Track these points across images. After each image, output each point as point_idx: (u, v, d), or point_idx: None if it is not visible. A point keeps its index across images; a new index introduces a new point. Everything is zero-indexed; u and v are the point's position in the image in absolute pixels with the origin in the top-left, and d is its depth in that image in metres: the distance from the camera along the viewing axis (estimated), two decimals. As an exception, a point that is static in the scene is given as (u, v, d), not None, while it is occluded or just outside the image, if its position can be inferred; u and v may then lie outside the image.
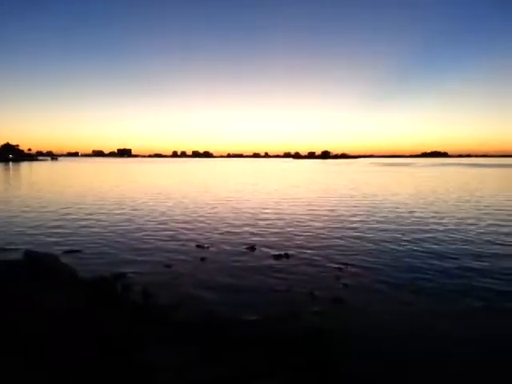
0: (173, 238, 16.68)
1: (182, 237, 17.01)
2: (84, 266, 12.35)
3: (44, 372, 5.59)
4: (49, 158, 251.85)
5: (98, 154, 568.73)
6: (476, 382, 6.37)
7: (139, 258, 13.52)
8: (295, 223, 20.45)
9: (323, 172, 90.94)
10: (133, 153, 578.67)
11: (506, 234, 17.41)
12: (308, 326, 8.14)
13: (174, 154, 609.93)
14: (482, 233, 17.80)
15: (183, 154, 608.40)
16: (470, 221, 20.98)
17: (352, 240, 16.41)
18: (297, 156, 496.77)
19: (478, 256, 13.77)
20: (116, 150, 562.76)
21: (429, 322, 8.54)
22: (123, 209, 25.65)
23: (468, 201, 30.32)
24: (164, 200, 30.86)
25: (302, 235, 17.41)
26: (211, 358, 6.60)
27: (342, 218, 22.27)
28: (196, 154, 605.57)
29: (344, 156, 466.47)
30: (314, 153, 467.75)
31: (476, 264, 12.79)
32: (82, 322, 7.51)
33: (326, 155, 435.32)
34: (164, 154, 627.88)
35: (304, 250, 14.68)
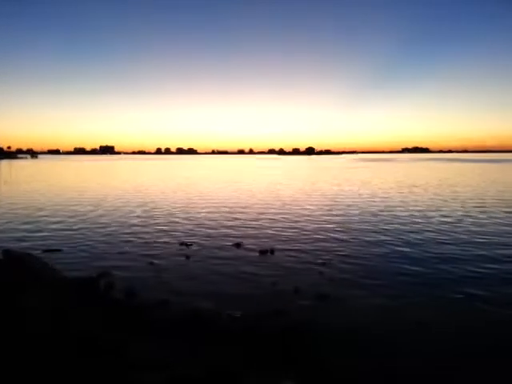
0: (156, 236, 16.53)
1: (166, 235, 16.87)
2: (65, 265, 12.13)
3: (25, 372, 5.47)
4: (28, 156, 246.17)
5: (80, 151, 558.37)
6: (461, 374, 6.49)
7: (122, 257, 13.35)
8: (280, 220, 20.51)
9: (307, 168, 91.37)
10: (116, 150, 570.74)
11: (482, 225, 17.81)
12: (292, 321, 8.17)
13: (158, 151, 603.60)
14: (460, 225, 18.16)
15: (167, 151, 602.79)
16: (450, 214, 21.37)
17: (336, 235, 16.55)
18: (281, 152, 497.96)
19: (460, 246, 14.06)
20: (98, 147, 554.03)
21: (412, 314, 8.66)
22: (104, 207, 25.29)
23: (448, 195, 30.89)
24: (147, 198, 30.55)
25: (286, 232, 17.47)
26: (196, 355, 6.57)
27: (326, 214, 22.44)
28: (180, 151, 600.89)
29: (328, 152, 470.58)
30: (298, 149, 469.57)
31: (458, 255, 13.06)
32: (64, 321, 7.38)
33: (310, 151, 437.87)
34: (148, 150, 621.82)
35: (289, 246, 14.74)
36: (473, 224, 18.75)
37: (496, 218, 20.43)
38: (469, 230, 17.28)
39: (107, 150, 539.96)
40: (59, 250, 14.10)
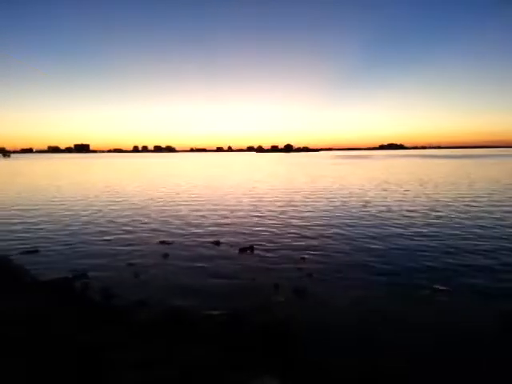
0: (135, 236, 16.32)
1: (145, 234, 16.69)
2: (42, 266, 11.87)
3: (3, 374, 5.36)
4: (0, 155, 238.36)
5: (54, 149, 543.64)
6: (437, 368, 6.72)
7: (100, 257, 13.13)
8: (259, 217, 20.59)
9: (286, 165, 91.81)
10: (91, 148, 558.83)
11: (449, 219, 18.40)
12: (272, 318, 8.25)
13: (135, 149, 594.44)
14: (432, 216, 18.69)
15: (145, 149, 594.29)
16: (423, 207, 21.96)
17: (314, 231, 16.75)
18: (260, 150, 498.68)
19: (432, 238, 14.48)
20: (73, 146, 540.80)
21: (388, 309, 8.86)
22: (81, 206, 24.78)
23: (418, 191, 31.71)
24: (123, 197, 30.09)
25: (266, 229, 17.57)
26: (175, 355, 6.58)
27: (304, 210, 22.67)
28: (158, 149, 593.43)
29: (306, 149, 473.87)
30: (277, 146, 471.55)
31: (432, 247, 13.45)
32: (41, 323, 7.24)
33: (288, 148, 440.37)
34: (124, 148, 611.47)
35: (268, 243, 14.84)
36: (438, 217, 19.31)
37: (461, 212, 21.11)
38: (438, 224, 17.81)
39: (82, 149, 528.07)
40: (36, 251, 13.77)
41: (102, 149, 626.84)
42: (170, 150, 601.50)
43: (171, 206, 24.93)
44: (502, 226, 17.38)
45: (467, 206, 23.24)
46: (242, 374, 6.09)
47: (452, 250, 13.49)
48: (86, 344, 6.62)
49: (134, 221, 19.65)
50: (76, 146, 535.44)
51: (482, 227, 17.08)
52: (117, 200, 27.93)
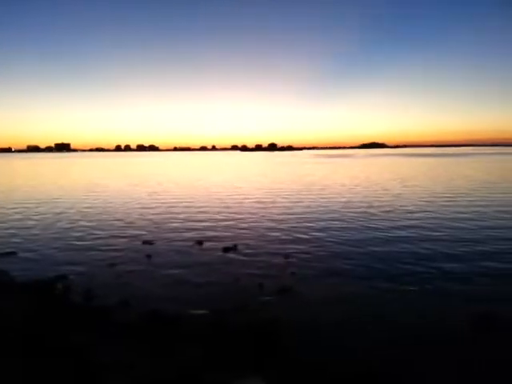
0: (116, 236, 16.07)
1: (127, 234, 16.45)
2: (20, 268, 11.60)
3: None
4: None
5: (34, 149, 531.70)
6: (417, 365, 6.82)
7: (81, 258, 12.89)
8: (243, 216, 20.57)
9: (269, 164, 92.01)
10: (72, 147, 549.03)
11: (435, 218, 18.77)
12: (257, 317, 8.24)
13: (118, 148, 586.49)
14: (413, 218, 19.02)
15: (127, 148, 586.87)
16: (405, 208, 22.33)
17: (298, 230, 16.82)
18: (244, 149, 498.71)
19: (416, 241, 14.74)
20: (53, 145, 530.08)
21: (371, 307, 8.95)
22: (61, 207, 24.29)
23: (398, 191, 32.23)
24: (105, 197, 29.64)
25: (249, 227, 17.56)
26: (160, 356, 6.51)
27: (288, 209, 22.76)
28: (141, 148, 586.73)
29: (290, 148, 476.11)
30: (261, 145, 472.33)
31: (417, 249, 13.68)
32: (20, 325, 7.07)
33: (272, 147, 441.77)
34: (107, 148, 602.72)
35: (252, 242, 14.82)
36: (417, 219, 19.67)
37: (438, 212, 21.56)
38: (417, 225, 18.13)
39: (63, 148, 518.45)
40: (14, 253, 13.43)
41: (83, 148, 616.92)
42: (153, 149, 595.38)
43: (154, 206, 24.67)
44: (479, 227, 17.79)
45: (444, 206, 23.72)
46: (226, 375, 6.07)
47: (428, 251, 13.71)
48: (67, 345, 6.49)
49: (115, 221, 19.36)
50: (56, 145, 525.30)
51: (461, 229, 17.46)
52: (98, 200, 27.49)
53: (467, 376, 6.27)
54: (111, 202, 26.19)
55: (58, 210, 22.86)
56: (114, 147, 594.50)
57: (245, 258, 12.79)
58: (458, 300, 9.21)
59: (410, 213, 20.55)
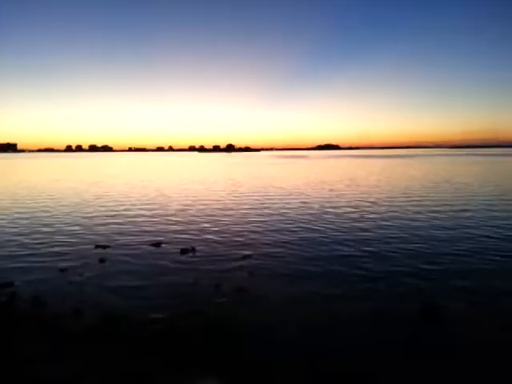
0: (67, 240, 15.38)
1: (78, 238, 15.79)
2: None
3: None
4: None
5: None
6: (369, 360, 7.11)
7: (28, 264, 12.22)
8: (200, 217, 20.41)
9: (227, 165, 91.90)
10: (19, 147, 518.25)
11: (389, 219, 19.65)
12: (213, 318, 8.24)
13: (69, 149, 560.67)
14: (368, 220, 19.80)
15: (79, 149, 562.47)
16: (358, 208, 23.17)
17: (256, 230, 16.97)
18: (202, 149, 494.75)
19: (366, 241, 15.34)
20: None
21: (329, 305, 9.18)
22: (5, 208, 22.88)
23: (349, 191, 33.43)
24: (53, 199, 28.26)
25: (208, 229, 17.46)
26: (114, 361, 6.34)
27: (245, 210, 22.88)
28: (93, 149, 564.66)
29: (248, 149, 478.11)
30: (218, 146, 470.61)
31: (367, 248, 14.22)
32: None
33: (230, 148, 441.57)
34: (57, 148, 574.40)
35: (210, 243, 14.77)
36: (370, 219, 20.51)
37: (389, 211, 22.60)
38: (370, 222, 18.90)
39: (9, 148, 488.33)
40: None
41: (31, 148, 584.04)
42: (106, 149, 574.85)
43: (107, 208, 23.85)
44: (432, 225, 18.82)
45: (395, 206, 24.85)
46: (183, 377, 6.03)
47: (381, 249, 14.35)
48: (14, 356, 6.16)
49: (65, 224, 18.53)
50: (1, 145, 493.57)
51: (415, 228, 18.38)
52: (46, 203, 26.15)
53: (416, 366, 6.63)
54: (60, 205, 25.01)
55: (3, 211, 21.49)
56: (64, 147, 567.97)
57: (203, 259, 12.72)
58: (406, 294, 9.71)
59: (363, 211, 21.34)
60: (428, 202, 24.75)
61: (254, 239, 15.35)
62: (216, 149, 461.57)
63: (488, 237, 15.28)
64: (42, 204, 25.62)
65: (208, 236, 16.02)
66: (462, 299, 9.29)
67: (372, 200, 26.16)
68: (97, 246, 14.35)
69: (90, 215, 21.15)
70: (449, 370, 6.47)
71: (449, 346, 7.26)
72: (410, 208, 22.55)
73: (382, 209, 22.40)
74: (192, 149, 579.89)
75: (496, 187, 33.42)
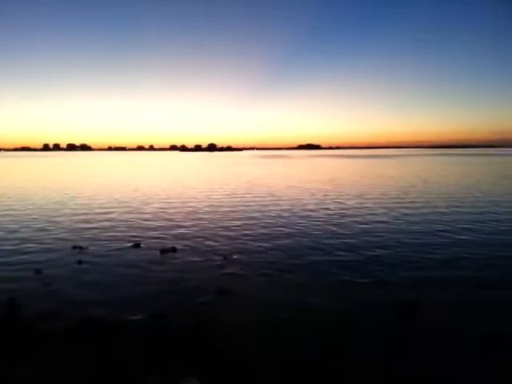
0: (43, 242, 15.01)
1: (55, 240, 15.43)
2: None
3: None
4: None
5: None
6: (350, 358, 7.22)
7: (3, 266, 11.90)
8: (181, 218, 20.28)
9: (208, 165, 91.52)
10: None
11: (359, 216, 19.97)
12: (193, 319, 8.20)
13: (46, 148, 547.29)
14: (341, 216, 20.07)
15: (56, 147, 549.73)
16: (335, 206, 23.46)
17: (237, 231, 16.96)
18: (183, 149, 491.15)
19: (348, 242, 15.55)
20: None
21: (309, 304, 9.25)
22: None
23: (328, 190, 33.82)
24: (28, 199, 27.59)
25: (188, 229, 17.35)
26: (93, 363, 6.26)
27: (226, 210, 22.84)
28: (72, 147, 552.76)
29: (229, 149, 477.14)
30: (200, 146, 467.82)
31: (347, 248, 14.42)
32: None
33: (212, 148, 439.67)
34: (33, 147, 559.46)
35: (191, 244, 14.68)
36: (348, 215, 20.81)
37: (364, 208, 22.98)
38: (348, 218, 19.18)
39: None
40: None
41: (7, 147, 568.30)
42: (85, 148, 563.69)
43: (84, 208, 23.41)
44: (404, 221, 19.20)
45: (370, 203, 25.26)
46: (164, 378, 6.01)
47: (357, 244, 14.60)
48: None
49: (42, 226, 18.11)
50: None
51: (383, 222, 18.73)
52: (22, 203, 25.49)
53: (396, 358, 6.78)
54: (36, 206, 24.42)
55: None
56: (41, 146, 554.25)
57: (183, 260, 12.64)
58: (386, 288, 9.91)
59: (342, 209, 21.62)
60: (392, 200, 25.25)
61: (234, 239, 15.34)
62: (198, 148, 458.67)
63: (449, 232, 15.74)
64: (16, 204, 24.96)
65: (188, 236, 15.93)
66: (435, 294, 9.54)
67: (348, 200, 26.50)
68: (74, 247, 14.08)
69: (67, 216, 20.73)
70: (428, 362, 6.65)
71: (427, 340, 7.45)
72: (389, 206, 22.97)
73: (360, 209, 22.73)
74: (173, 148, 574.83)
75: (472, 186, 34.33)
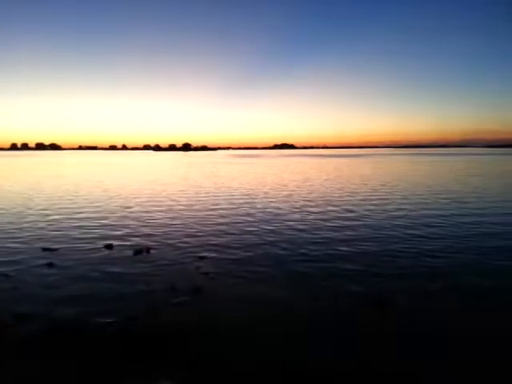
0: (11, 244, 14.48)
1: (24, 241, 14.91)
2: None
3: None
4: None
5: None
6: (324, 355, 7.34)
7: (-34, 270, 11.44)
8: (154, 218, 20.01)
9: (183, 164, 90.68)
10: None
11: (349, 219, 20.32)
12: (168, 319, 8.15)
13: (14, 147, 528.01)
14: (321, 219, 20.36)
15: (25, 147, 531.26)
16: (309, 202, 23.76)
17: (212, 230, 16.89)
18: (157, 148, 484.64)
19: (327, 240, 15.77)
20: None
21: (286, 302, 9.33)
22: None
23: (303, 189, 34.24)
24: (-1, 200, 26.56)
25: (163, 229, 17.15)
26: (64, 367, 6.11)
27: (201, 210, 22.71)
28: (41, 147, 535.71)
29: (204, 148, 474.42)
30: (174, 145, 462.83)
31: (327, 247, 14.63)
32: None
33: (187, 147, 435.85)
34: (0, 146, 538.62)
35: (165, 244, 14.52)
36: (316, 212, 21.13)
37: (333, 205, 23.40)
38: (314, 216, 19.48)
39: None
40: None
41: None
42: (54, 147, 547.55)
43: (54, 209, 22.72)
44: (377, 217, 19.65)
45: (337, 200, 25.73)
46: (138, 380, 5.94)
47: (328, 239, 14.86)
48: None
49: (9, 227, 17.48)
50: None
51: (351, 219, 19.11)
52: (-11, 204, 24.49)
53: (368, 353, 6.95)
54: (2, 205, 23.54)
55: None
56: (9, 146, 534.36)
57: (157, 261, 12.49)
58: (356, 283, 10.13)
59: (311, 207, 21.91)
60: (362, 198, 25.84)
61: (209, 240, 15.27)
62: (172, 148, 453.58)
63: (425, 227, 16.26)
64: (-18, 206, 23.94)
65: (162, 237, 15.75)
66: (404, 291, 9.82)
67: (323, 198, 26.90)
68: (44, 250, 13.66)
69: (36, 217, 20.07)
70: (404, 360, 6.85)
71: (401, 336, 7.66)
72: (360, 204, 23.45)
73: (336, 208, 23.11)
74: (147, 147, 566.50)
75: (439, 186, 35.47)
